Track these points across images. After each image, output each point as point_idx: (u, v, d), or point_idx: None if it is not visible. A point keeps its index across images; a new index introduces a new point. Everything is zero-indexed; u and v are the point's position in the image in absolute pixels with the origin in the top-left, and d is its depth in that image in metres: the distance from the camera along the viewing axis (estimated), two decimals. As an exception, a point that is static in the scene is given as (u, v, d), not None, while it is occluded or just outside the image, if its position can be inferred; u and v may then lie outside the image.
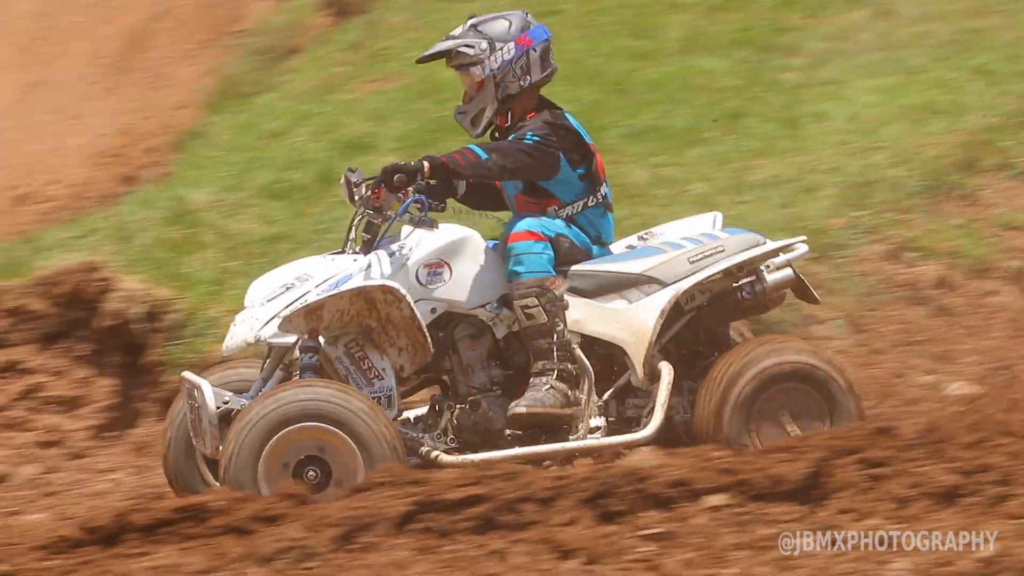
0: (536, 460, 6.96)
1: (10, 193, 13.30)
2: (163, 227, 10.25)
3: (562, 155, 7.08)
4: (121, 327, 9.08)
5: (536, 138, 7.01)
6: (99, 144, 14.23)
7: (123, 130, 14.35)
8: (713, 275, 7.10)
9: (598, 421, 7.08)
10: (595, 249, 7.23)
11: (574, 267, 7.13)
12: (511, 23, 7.20)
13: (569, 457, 7.01)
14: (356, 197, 7.06)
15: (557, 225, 7.10)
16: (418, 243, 7.09)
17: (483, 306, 7.11)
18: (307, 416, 6.70)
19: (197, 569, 5.48)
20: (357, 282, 6.91)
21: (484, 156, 6.94)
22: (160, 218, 10.42)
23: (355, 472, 6.68)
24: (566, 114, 7.22)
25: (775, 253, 7.21)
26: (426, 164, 6.92)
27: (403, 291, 6.89)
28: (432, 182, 7.07)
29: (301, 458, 6.73)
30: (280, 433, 6.68)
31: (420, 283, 7.04)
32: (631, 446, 7.02)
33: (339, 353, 7.02)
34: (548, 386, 6.98)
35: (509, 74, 7.15)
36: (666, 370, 7.05)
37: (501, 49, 7.14)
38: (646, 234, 7.41)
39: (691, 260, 7.10)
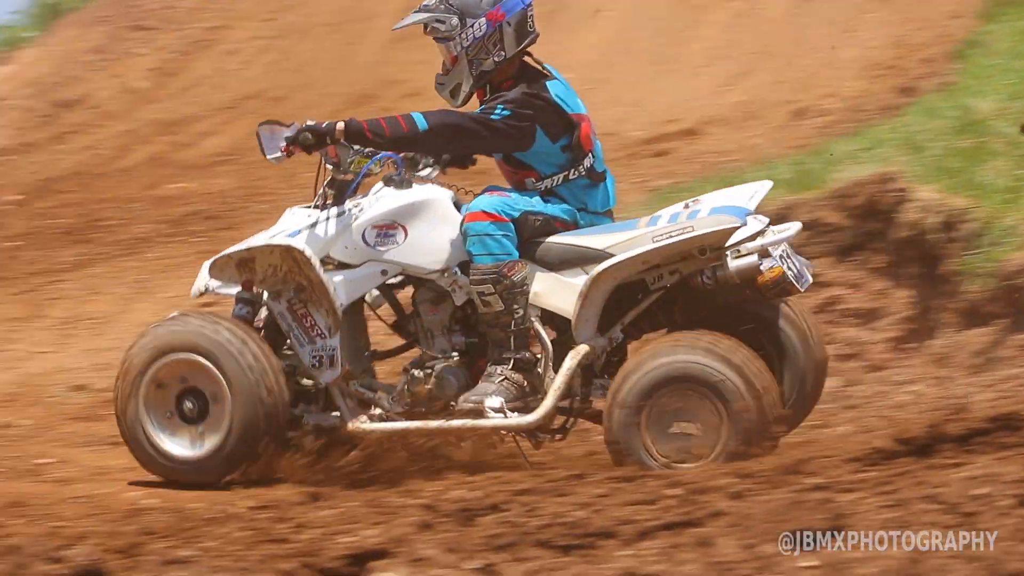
0: (441, 435, 6.84)
1: (788, 107, 13.57)
2: (951, 136, 10.08)
3: (539, 128, 6.73)
4: (917, 238, 9.02)
5: (507, 112, 6.70)
6: (872, 56, 14.21)
7: (895, 41, 14.33)
8: (635, 257, 6.60)
9: (494, 402, 6.68)
10: (582, 218, 6.86)
11: (549, 238, 6.78)
12: None
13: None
14: (268, 155, 6.79)
15: (526, 202, 6.77)
16: (375, 203, 6.87)
17: (442, 272, 6.81)
18: (177, 348, 6.75)
19: (1015, 478, 5.30)
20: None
21: (422, 127, 6.65)
22: (947, 128, 10.25)
23: (224, 403, 6.68)
24: (548, 82, 6.84)
25: (728, 235, 6.58)
26: (340, 126, 6.70)
27: (309, 253, 6.74)
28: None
29: (181, 389, 6.77)
30: (153, 367, 6.76)
31: (367, 244, 6.82)
32: (513, 430, 6.77)
33: (281, 308, 6.89)
34: (502, 377, 6.73)
35: (482, 50, 6.81)
36: (572, 355, 6.68)
37: (472, 26, 6.79)
38: (692, 202, 6.81)
39: (655, 238, 6.63)
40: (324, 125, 6.70)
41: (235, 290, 6.96)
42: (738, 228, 6.58)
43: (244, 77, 16.55)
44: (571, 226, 6.85)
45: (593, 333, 6.72)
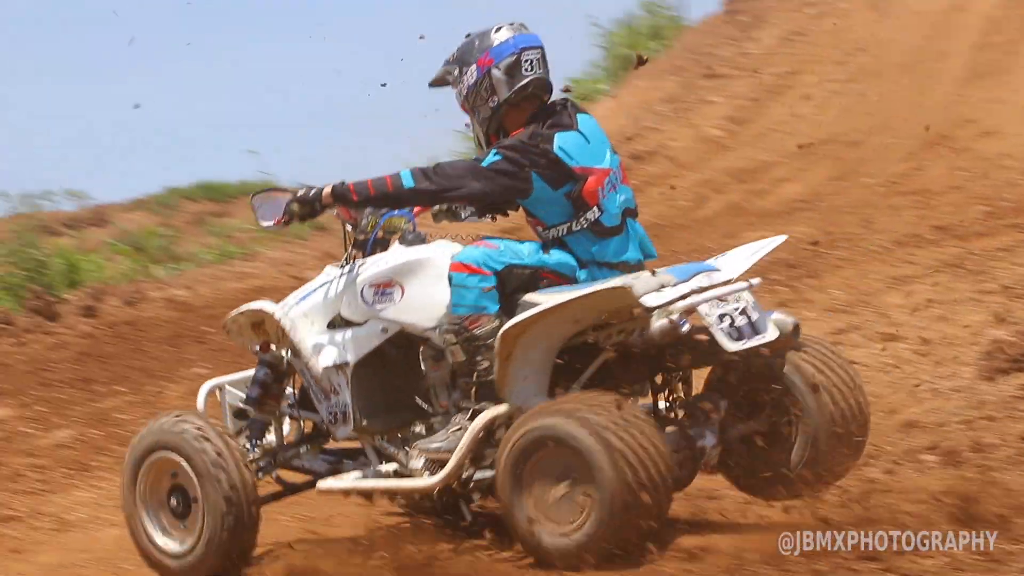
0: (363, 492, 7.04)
1: None
2: None
3: (537, 175, 6.69)
4: None
5: (498, 157, 6.70)
6: None
7: None
8: (533, 317, 6.49)
9: (417, 462, 6.83)
10: (583, 273, 6.76)
11: (526, 295, 6.69)
12: (477, 42, 6.90)
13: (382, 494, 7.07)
14: (262, 222, 6.97)
15: (514, 253, 6.74)
16: (376, 262, 7.01)
17: (435, 329, 6.84)
18: (157, 447, 6.99)
19: None
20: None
21: (407, 184, 6.71)
22: None
23: (197, 495, 6.87)
24: (560, 133, 6.73)
25: (614, 295, 6.42)
26: (327, 190, 6.82)
27: (272, 312, 7.04)
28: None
29: (170, 486, 7.01)
30: (146, 462, 7.02)
31: (366, 302, 6.96)
32: (414, 492, 6.91)
33: (302, 366, 7.09)
34: (458, 427, 6.75)
35: (478, 98, 6.88)
36: (481, 416, 6.65)
37: (466, 73, 6.88)
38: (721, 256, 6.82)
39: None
40: (312, 192, 6.85)
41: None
42: (617, 289, 6.42)
43: (818, 122, 16.54)
44: (565, 278, 6.78)
45: (533, 394, 6.62)
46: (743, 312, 6.54)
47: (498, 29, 6.91)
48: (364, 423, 7.03)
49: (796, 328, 6.68)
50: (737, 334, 6.49)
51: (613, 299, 6.50)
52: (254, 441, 7.22)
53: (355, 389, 7.00)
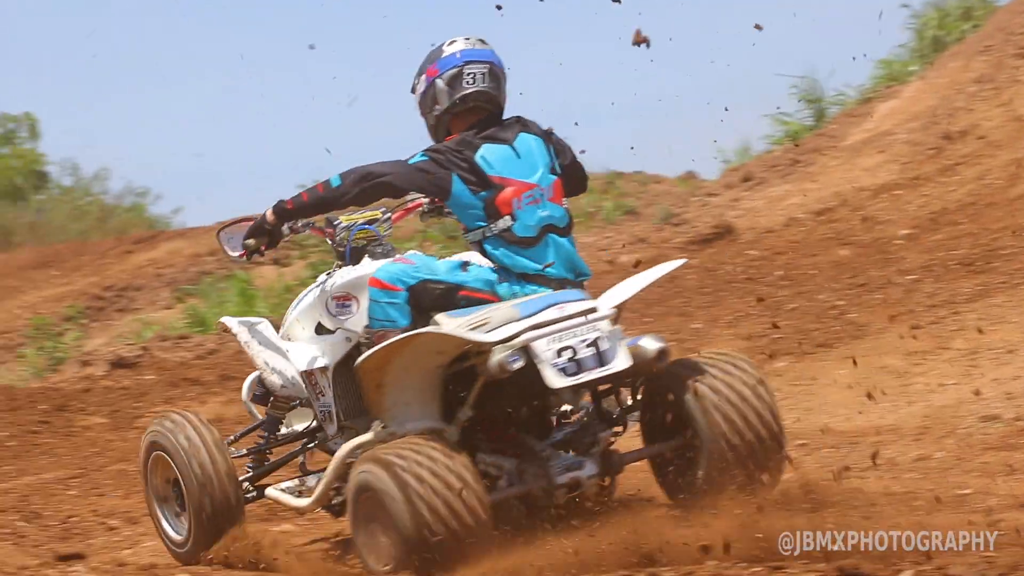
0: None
1: None
2: None
3: (458, 178, 6.91)
4: None
5: (424, 158, 6.95)
6: None
7: None
8: (379, 352, 6.64)
9: (311, 480, 7.35)
10: (503, 287, 6.87)
11: (437, 315, 6.79)
12: (429, 54, 7.16)
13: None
14: (231, 253, 7.30)
15: (429, 269, 6.92)
16: (341, 274, 7.31)
17: None
18: (154, 447, 7.41)
19: None
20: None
21: (335, 184, 6.91)
22: None
23: (184, 491, 7.26)
24: (488, 144, 6.97)
25: (433, 339, 6.58)
26: (268, 213, 7.06)
27: (228, 324, 7.55)
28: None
29: (171, 481, 7.41)
30: (149, 461, 7.47)
31: (331, 313, 7.27)
32: (293, 510, 7.54)
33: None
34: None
35: (424, 106, 7.15)
36: (347, 444, 6.90)
37: (418, 82, 7.16)
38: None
39: (468, 326, 6.62)
40: (257, 220, 7.11)
41: None
42: (431, 333, 6.55)
43: None
44: (483, 294, 6.86)
45: (417, 418, 6.70)
46: (591, 344, 6.58)
47: (452, 42, 7.18)
48: (346, 423, 7.27)
49: (661, 353, 6.68)
50: (575, 368, 6.55)
51: (437, 340, 6.63)
52: (268, 436, 7.62)
53: (336, 391, 7.28)
